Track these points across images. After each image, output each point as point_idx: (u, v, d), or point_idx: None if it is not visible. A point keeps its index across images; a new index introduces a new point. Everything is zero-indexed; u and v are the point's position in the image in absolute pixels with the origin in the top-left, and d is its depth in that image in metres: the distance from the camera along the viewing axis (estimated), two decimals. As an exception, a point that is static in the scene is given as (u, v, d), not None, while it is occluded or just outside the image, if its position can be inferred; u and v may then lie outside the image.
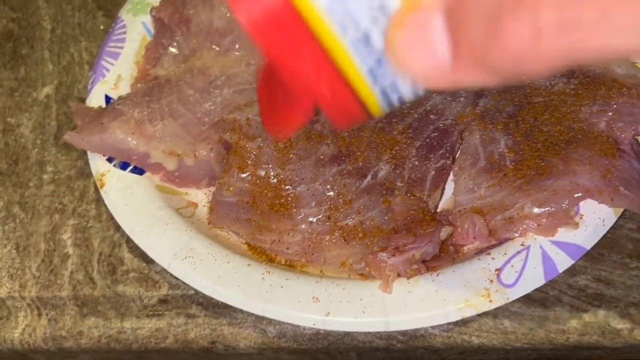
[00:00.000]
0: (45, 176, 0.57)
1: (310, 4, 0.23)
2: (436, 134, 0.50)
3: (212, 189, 0.52)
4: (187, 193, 0.52)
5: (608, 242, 0.48)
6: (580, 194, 0.44)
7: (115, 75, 0.57)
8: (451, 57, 0.22)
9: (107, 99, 0.55)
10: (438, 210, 0.49)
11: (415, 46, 0.23)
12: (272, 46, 0.25)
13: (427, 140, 0.50)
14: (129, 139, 0.51)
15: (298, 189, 0.48)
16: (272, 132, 0.35)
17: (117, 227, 0.51)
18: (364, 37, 0.24)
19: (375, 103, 0.26)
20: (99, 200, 0.54)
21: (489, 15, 0.21)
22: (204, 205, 0.52)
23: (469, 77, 0.23)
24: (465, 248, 0.47)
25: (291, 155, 0.49)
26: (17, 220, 0.54)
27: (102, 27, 0.66)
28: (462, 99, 0.52)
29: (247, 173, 0.49)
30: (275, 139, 0.48)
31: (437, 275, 0.44)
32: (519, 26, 0.20)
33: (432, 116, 0.51)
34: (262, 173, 0.49)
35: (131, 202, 0.50)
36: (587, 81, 0.50)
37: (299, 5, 0.23)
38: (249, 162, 0.49)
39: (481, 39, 0.21)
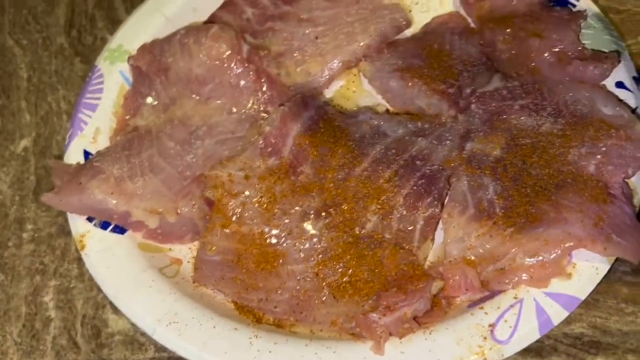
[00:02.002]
0: (25, 234, 0.55)
1: None
2: (423, 180, 0.49)
3: (197, 243, 0.50)
4: (170, 249, 0.51)
5: (603, 287, 0.47)
6: (572, 244, 0.43)
7: (94, 128, 0.55)
8: None
9: (86, 154, 0.54)
10: (428, 260, 0.48)
11: None
12: None
13: (415, 187, 0.49)
14: (109, 198, 0.49)
15: (284, 244, 0.47)
16: None
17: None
18: None
19: None
20: (81, 259, 0.52)
21: None
22: (189, 261, 0.50)
23: None
24: (458, 299, 0.46)
25: (276, 210, 0.48)
26: (-3, 283, 0.53)
27: (80, 74, 0.64)
28: (448, 142, 0.51)
29: (231, 231, 0.47)
30: None
31: (430, 333, 0.43)
32: None
33: (418, 162, 0.50)
34: (247, 230, 0.47)
35: (113, 264, 0.48)
36: (574, 121, 0.49)
37: None
38: (233, 219, 0.48)
39: None
